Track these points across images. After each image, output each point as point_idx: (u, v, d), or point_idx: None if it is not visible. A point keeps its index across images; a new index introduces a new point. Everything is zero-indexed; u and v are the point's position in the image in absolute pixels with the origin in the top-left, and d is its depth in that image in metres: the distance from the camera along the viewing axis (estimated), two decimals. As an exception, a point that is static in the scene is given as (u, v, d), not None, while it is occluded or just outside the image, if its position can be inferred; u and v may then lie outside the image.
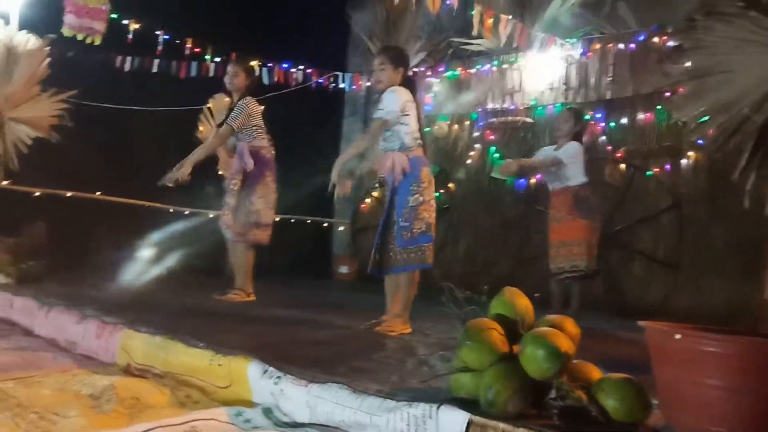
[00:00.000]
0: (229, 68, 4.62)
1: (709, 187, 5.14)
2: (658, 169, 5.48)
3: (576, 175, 4.63)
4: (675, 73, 1.55)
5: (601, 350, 3.08)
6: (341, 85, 7.37)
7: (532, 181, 6.06)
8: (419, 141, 3.49)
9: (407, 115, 3.43)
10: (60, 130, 5.21)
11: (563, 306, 4.71)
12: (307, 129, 7.01)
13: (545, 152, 4.89)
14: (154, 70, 6.46)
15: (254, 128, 4.52)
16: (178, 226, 6.08)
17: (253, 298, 4.50)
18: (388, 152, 3.45)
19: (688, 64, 1.53)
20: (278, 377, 2.22)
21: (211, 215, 5.95)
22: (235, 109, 4.51)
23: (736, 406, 1.44)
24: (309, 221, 7.13)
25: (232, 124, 4.45)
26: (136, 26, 6.00)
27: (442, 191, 6.50)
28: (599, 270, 4.75)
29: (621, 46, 5.77)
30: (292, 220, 6.64)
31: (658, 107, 5.44)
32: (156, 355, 2.70)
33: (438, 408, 1.78)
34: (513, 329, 1.89)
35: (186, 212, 6.22)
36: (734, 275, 4.92)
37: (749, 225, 4.86)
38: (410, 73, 3.74)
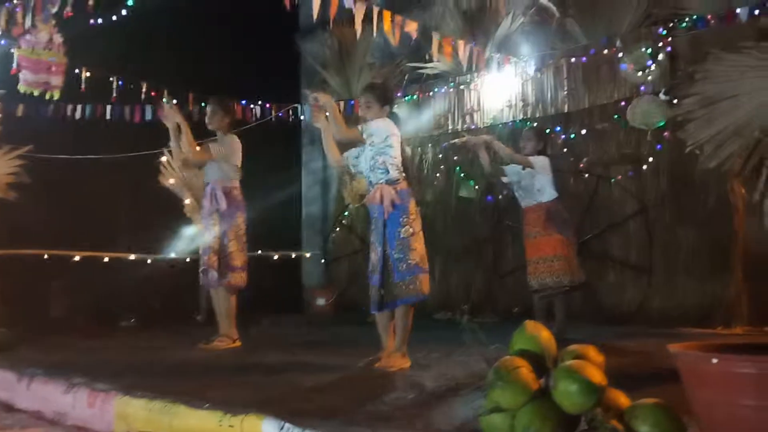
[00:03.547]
0: (208, 108, 4.56)
1: (671, 189, 5.32)
2: (620, 176, 5.64)
3: (546, 190, 4.72)
4: (686, 103, 1.59)
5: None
6: (301, 117, 7.35)
7: (499, 197, 6.15)
8: (404, 174, 3.52)
9: (391, 146, 3.46)
10: (17, 187, 5.00)
11: (546, 320, 4.77)
12: (268, 161, 6.96)
13: (513, 169, 4.97)
14: (108, 117, 6.28)
15: (234, 167, 4.46)
16: (140, 274, 5.92)
17: (238, 344, 4.40)
18: (375, 184, 3.47)
19: (696, 93, 1.59)
20: (298, 433, 2.16)
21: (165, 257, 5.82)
22: (220, 141, 4.44)
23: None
24: (276, 257, 6.98)
25: (220, 151, 4.36)
26: (87, 74, 5.83)
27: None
28: (586, 281, 4.76)
29: (573, 60, 5.94)
30: (259, 252, 6.51)
31: (615, 117, 5.61)
32: (159, 421, 2.59)
33: (476, 452, 1.77)
34: (539, 363, 1.89)
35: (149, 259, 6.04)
36: (703, 274, 5.08)
37: (712, 225, 5.06)
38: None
